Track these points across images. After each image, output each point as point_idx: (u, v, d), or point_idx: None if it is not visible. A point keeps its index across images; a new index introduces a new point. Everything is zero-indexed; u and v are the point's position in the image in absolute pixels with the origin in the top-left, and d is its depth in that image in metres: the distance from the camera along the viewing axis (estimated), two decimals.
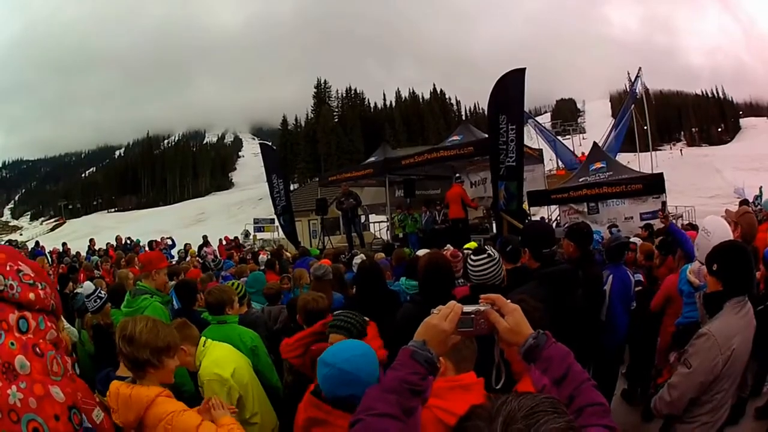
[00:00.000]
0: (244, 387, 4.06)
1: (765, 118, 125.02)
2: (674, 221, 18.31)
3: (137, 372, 3.19)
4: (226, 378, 3.93)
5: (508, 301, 1.94)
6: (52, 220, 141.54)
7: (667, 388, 3.58)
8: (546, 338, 1.88)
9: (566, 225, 12.48)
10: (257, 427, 4.01)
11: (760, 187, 24.60)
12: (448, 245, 9.28)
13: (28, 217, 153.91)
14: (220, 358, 4.05)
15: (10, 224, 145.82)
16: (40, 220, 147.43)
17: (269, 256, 13.86)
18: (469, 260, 4.62)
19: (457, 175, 18.30)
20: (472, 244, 7.70)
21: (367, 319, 3.78)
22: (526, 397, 1.38)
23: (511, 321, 1.89)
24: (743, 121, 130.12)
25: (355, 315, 3.69)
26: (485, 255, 4.47)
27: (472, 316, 1.88)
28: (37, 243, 29.74)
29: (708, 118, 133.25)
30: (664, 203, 16.63)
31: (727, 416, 3.62)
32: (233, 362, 4.11)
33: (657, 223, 13.35)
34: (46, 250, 25.43)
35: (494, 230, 16.77)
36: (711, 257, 3.77)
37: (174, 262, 16.74)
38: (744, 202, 11.84)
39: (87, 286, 7.17)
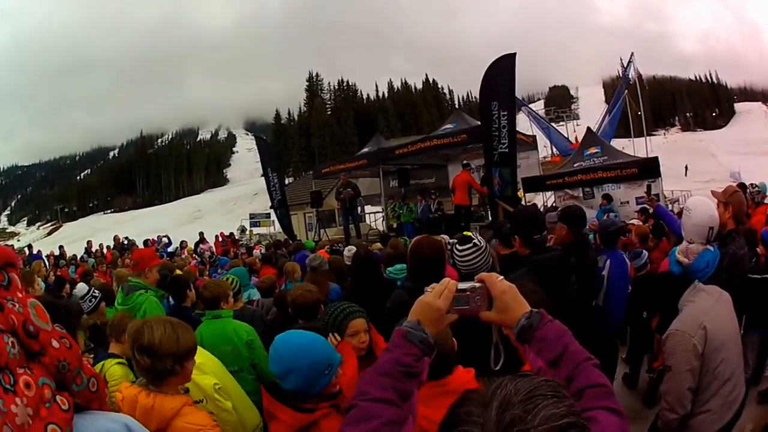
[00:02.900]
0: (221, 380, 3.95)
1: (760, 103, 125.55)
2: (669, 205, 18.32)
3: (156, 382, 2.98)
4: (205, 371, 3.86)
5: (501, 278, 1.86)
6: (49, 224, 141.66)
7: (663, 397, 3.62)
8: (540, 317, 1.79)
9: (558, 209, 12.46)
10: (234, 422, 3.87)
11: None
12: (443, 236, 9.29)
13: (25, 222, 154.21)
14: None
15: (7, 231, 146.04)
16: (37, 225, 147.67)
17: (263, 251, 13.83)
18: (455, 250, 4.58)
19: (466, 162, 18.28)
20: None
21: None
22: (524, 380, 1.30)
23: (499, 306, 1.80)
24: (738, 106, 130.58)
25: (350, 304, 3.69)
26: (471, 244, 4.42)
27: (468, 293, 1.81)
28: (30, 247, 29.69)
29: (702, 103, 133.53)
30: (649, 186, 16.63)
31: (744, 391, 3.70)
32: (202, 356, 3.94)
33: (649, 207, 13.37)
34: (43, 255, 25.36)
35: (489, 217, 16.72)
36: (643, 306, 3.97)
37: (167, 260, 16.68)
38: (741, 185, 11.80)
39: (80, 287, 7.15)
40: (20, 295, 1.91)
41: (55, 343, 1.93)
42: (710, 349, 3.46)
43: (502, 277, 1.87)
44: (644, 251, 7.86)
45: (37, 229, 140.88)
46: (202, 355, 3.92)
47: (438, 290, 1.82)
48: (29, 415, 1.75)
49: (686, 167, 64.12)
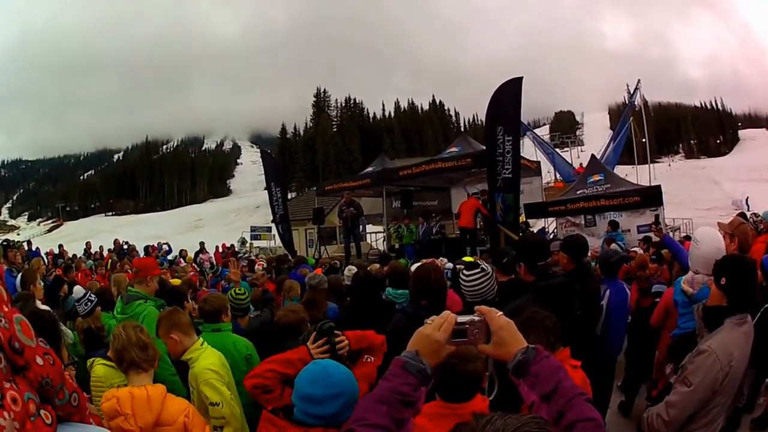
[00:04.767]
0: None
1: (764, 129, 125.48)
2: (670, 233, 18.28)
3: (144, 372, 3.52)
4: (223, 375, 4.10)
5: (500, 314, 1.89)
6: (50, 221, 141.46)
7: (666, 406, 3.50)
8: (536, 353, 1.82)
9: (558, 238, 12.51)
10: None
11: None
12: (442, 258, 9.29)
13: (26, 217, 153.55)
14: (216, 363, 4.14)
15: (7, 224, 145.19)
16: (38, 220, 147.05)
17: (266, 265, 13.77)
18: (462, 275, 4.56)
19: (476, 191, 18.44)
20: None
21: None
22: (512, 417, 1.36)
23: (496, 340, 1.85)
24: (742, 133, 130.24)
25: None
26: (479, 270, 4.40)
27: (467, 326, 1.84)
28: (29, 243, 29.71)
29: (706, 130, 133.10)
30: (657, 216, 16.62)
31: (720, 429, 3.59)
32: (223, 367, 4.22)
33: (653, 236, 13.36)
34: (42, 252, 25.38)
35: (489, 243, 16.69)
36: (720, 270, 3.70)
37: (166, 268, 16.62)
38: (741, 215, 11.82)
39: (77, 290, 7.18)
40: (6, 309, 1.97)
41: (39, 360, 1.99)
42: (721, 388, 3.40)
43: (501, 312, 1.90)
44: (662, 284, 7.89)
45: (38, 225, 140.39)
46: (223, 367, 4.23)
47: (438, 322, 1.84)
48: (16, 429, 1.81)
49: (747, 199, 62.68)
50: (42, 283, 8.93)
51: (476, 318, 1.87)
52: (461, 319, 1.85)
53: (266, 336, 5.16)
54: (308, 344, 3.34)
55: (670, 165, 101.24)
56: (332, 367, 2.71)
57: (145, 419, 3.18)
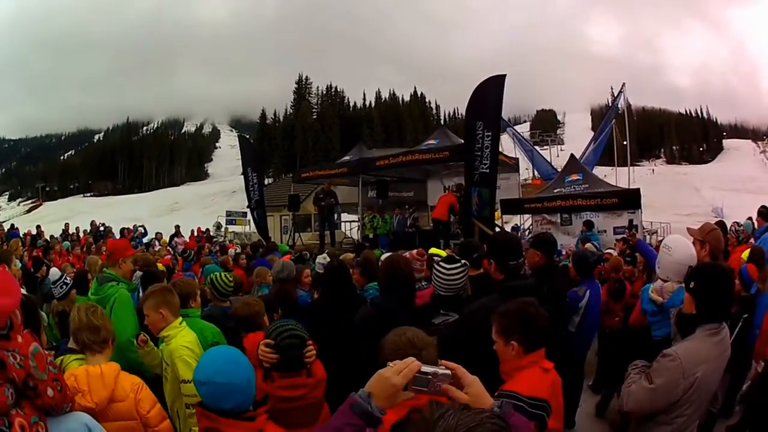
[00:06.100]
0: None
1: (749, 140, 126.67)
2: (646, 236, 18.32)
3: (98, 353, 3.67)
4: (198, 353, 4.12)
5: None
6: (30, 201, 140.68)
7: (627, 394, 3.53)
8: (509, 407, 1.88)
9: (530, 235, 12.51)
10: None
11: None
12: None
13: (7, 197, 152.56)
14: (192, 342, 4.31)
15: None
16: (18, 201, 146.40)
17: (238, 250, 13.69)
18: (441, 268, 4.49)
19: (452, 184, 18.52)
20: (439, 252, 7.59)
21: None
22: (469, 413, 1.33)
23: (473, 392, 1.86)
24: (726, 143, 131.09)
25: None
26: (459, 264, 4.39)
27: (429, 377, 1.84)
28: (12, 226, 29.79)
29: (690, 137, 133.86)
30: (631, 221, 16.70)
31: None
32: (198, 347, 4.32)
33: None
34: (21, 233, 25.36)
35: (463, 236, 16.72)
36: (691, 275, 3.75)
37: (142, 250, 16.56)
38: (720, 223, 11.85)
39: (53, 273, 7.19)
40: (20, 341, 2.12)
41: (50, 392, 2.19)
42: (686, 397, 3.37)
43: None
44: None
45: (18, 205, 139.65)
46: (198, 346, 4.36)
47: (399, 368, 1.85)
48: None
49: (653, 170, 63.41)
50: (19, 264, 8.94)
51: (440, 371, 1.88)
52: (425, 368, 1.87)
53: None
54: (261, 345, 3.28)
55: (653, 170, 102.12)
56: (212, 362, 2.73)
57: (99, 395, 3.33)
